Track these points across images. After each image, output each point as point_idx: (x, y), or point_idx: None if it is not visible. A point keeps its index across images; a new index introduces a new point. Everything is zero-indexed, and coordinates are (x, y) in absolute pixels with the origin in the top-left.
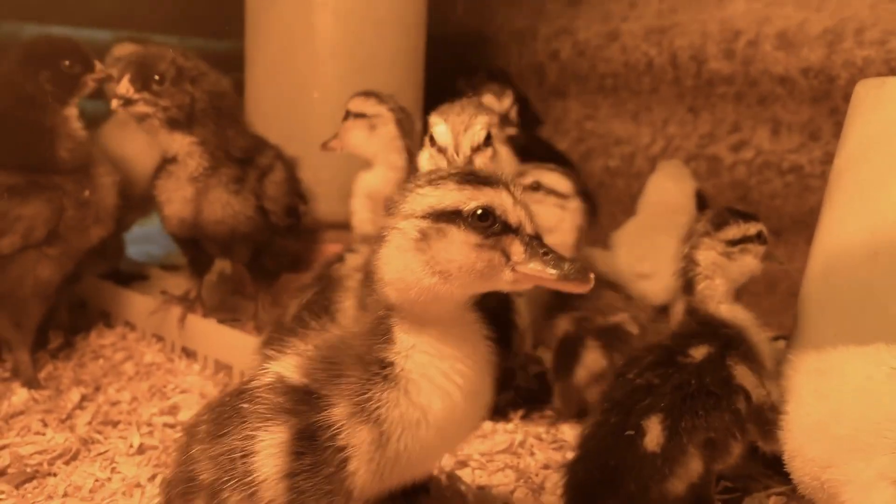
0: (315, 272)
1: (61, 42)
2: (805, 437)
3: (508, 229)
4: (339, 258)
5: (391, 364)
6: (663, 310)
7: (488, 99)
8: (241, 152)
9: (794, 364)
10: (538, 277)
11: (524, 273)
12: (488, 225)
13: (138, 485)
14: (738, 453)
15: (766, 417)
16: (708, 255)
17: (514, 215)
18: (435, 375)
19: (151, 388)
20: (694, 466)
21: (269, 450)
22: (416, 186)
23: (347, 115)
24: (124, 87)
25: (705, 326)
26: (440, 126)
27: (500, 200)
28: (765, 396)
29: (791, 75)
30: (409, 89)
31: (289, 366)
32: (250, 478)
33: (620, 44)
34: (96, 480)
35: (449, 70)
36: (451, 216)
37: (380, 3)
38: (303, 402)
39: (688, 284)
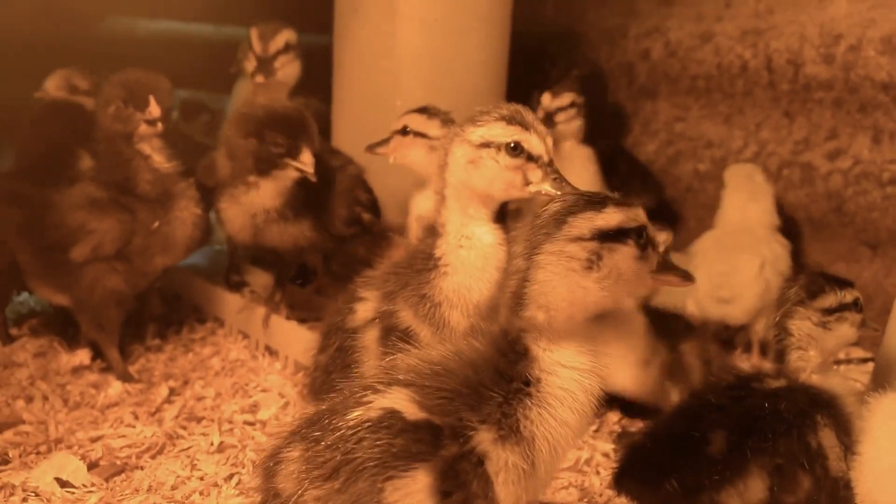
0: (327, 324)
1: (126, 80)
2: (877, 482)
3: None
4: (349, 309)
5: (537, 380)
6: (741, 329)
7: (545, 97)
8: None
9: (872, 405)
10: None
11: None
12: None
13: (216, 484)
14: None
15: (841, 494)
16: (803, 325)
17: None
18: (576, 389)
19: (234, 385)
20: (754, 486)
21: (411, 497)
22: (569, 213)
23: (406, 130)
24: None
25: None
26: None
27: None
28: (843, 472)
29: (895, 82)
30: (491, 97)
31: (400, 400)
32: None
33: (714, 45)
34: (178, 477)
35: (538, 68)
36: (617, 235)
37: (462, 13)
38: (434, 437)
39: (779, 354)
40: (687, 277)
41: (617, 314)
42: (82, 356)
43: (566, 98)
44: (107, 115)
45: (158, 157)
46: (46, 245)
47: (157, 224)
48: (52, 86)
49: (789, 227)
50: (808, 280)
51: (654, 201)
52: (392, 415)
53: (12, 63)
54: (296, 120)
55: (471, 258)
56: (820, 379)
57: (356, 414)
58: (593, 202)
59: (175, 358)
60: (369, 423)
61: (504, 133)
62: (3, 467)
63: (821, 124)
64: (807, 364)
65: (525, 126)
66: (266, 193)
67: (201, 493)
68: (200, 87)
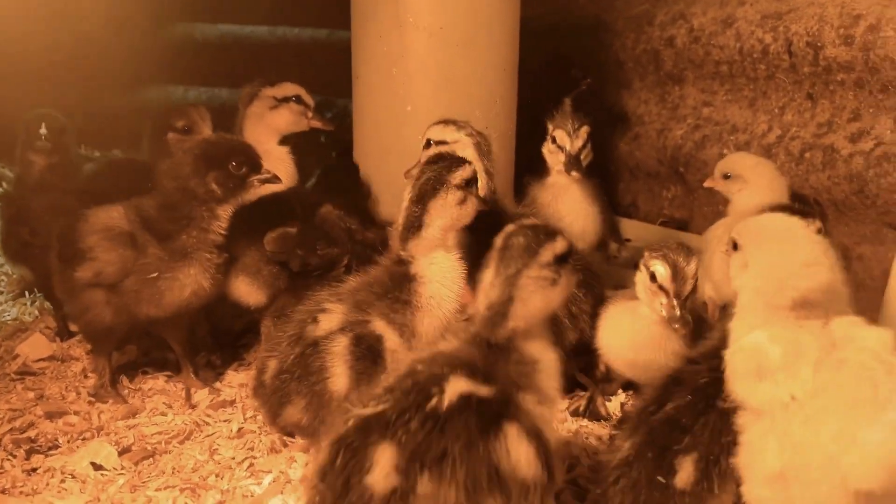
0: (290, 330)
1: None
2: None
3: None
4: (313, 318)
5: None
6: None
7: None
8: None
9: None
10: None
11: None
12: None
13: (230, 467)
14: None
15: None
16: None
17: None
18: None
19: None
20: None
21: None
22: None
23: (428, 143)
24: None
25: None
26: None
27: None
28: None
29: None
30: (500, 103)
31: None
32: None
33: (735, 30)
34: (197, 461)
35: (567, 57)
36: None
37: (466, 21)
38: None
39: None
40: None
41: None
42: (129, 353)
43: (583, 134)
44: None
45: (221, 223)
46: (65, 257)
47: (155, 275)
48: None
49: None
50: (773, 207)
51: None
52: None
53: None
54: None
55: (442, 270)
56: None
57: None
58: (549, 234)
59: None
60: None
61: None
62: (53, 452)
63: (844, 106)
64: None
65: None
66: None
67: (217, 476)
68: None
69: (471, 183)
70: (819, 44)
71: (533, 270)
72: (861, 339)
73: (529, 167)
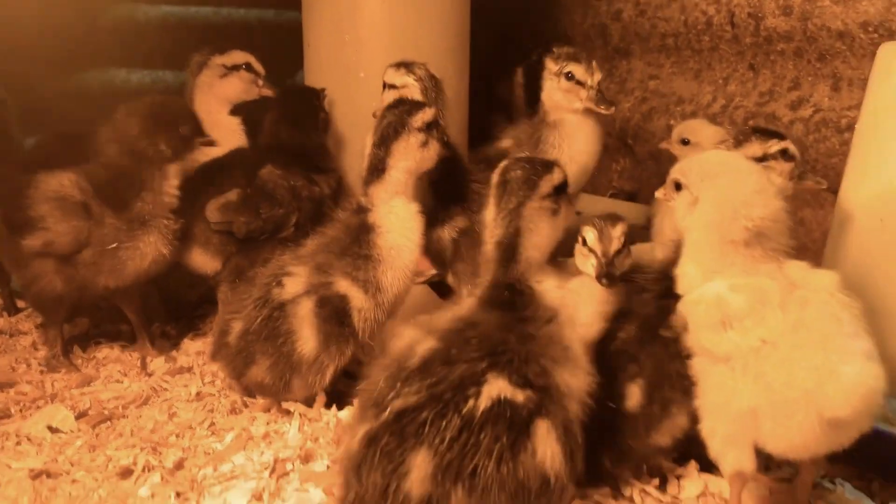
0: (256, 294)
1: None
2: None
3: None
4: (278, 281)
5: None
6: None
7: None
8: None
9: None
10: None
11: None
12: None
13: (190, 427)
14: None
15: None
16: None
17: None
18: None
19: None
20: None
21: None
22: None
23: (384, 86)
24: None
25: None
26: None
27: None
28: None
29: (850, 30)
30: (453, 69)
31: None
32: None
33: (680, 3)
34: (157, 422)
35: (518, 32)
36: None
37: None
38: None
39: None
40: None
41: None
42: (81, 325)
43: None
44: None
45: (173, 184)
46: (12, 224)
47: (114, 246)
48: None
49: None
50: (737, 132)
51: None
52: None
53: None
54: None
55: (401, 220)
56: None
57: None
58: (545, 165)
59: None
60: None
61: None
62: (4, 420)
63: (784, 75)
64: None
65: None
66: None
67: (177, 436)
68: None
69: (432, 126)
70: (760, 14)
71: (535, 202)
72: (813, 280)
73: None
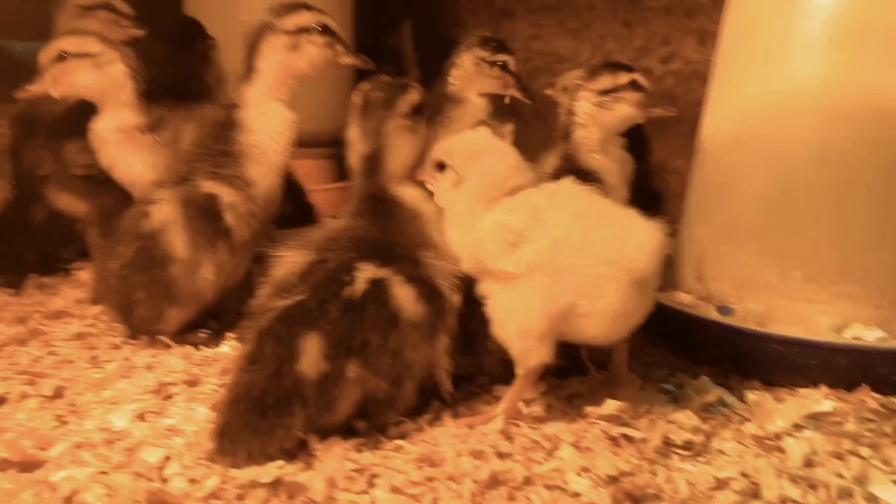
0: (124, 230)
1: None
2: None
3: None
4: (143, 213)
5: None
6: None
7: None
8: None
9: None
10: None
11: None
12: None
13: (70, 361)
14: None
15: None
16: (583, 105)
17: None
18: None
19: None
20: None
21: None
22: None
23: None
24: None
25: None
26: None
27: None
28: None
29: None
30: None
31: None
32: None
33: None
34: (34, 357)
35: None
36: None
37: None
38: None
39: (565, 133)
40: None
41: None
42: None
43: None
44: None
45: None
46: None
47: None
48: None
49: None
50: (590, 67)
51: None
52: None
53: None
54: None
55: (271, 122)
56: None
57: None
58: (403, 87)
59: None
60: None
61: (314, 18)
62: None
63: (656, 31)
64: (588, 140)
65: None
66: None
67: (57, 368)
68: None
69: (305, 31)
70: None
71: (394, 119)
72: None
73: None
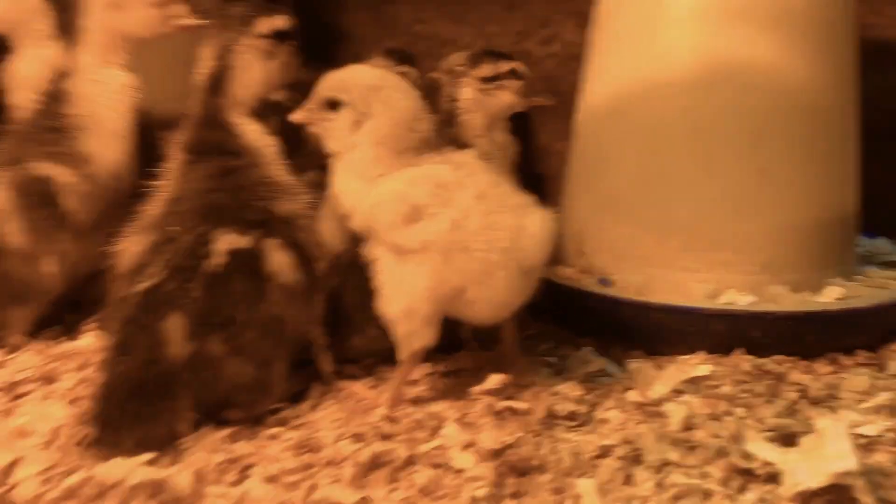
0: None
1: None
2: None
3: None
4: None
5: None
6: None
7: None
8: None
9: None
10: None
11: None
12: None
13: None
14: None
15: None
16: (467, 92)
17: None
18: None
19: None
20: None
21: None
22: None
23: None
24: None
25: None
26: None
27: None
28: None
29: None
30: None
31: None
32: None
33: None
34: None
35: None
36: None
37: None
38: None
39: (449, 118)
40: None
41: None
42: None
43: None
44: None
45: None
46: None
47: None
48: None
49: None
50: (470, 55)
51: None
52: None
53: None
54: None
55: (106, 89)
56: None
57: None
58: (269, 9)
59: None
60: None
61: None
62: None
63: (536, 14)
64: (473, 125)
65: None
66: None
67: None
68: None
69: None
70: None
71: (248, 39)
72: (458, 157)
73: None
